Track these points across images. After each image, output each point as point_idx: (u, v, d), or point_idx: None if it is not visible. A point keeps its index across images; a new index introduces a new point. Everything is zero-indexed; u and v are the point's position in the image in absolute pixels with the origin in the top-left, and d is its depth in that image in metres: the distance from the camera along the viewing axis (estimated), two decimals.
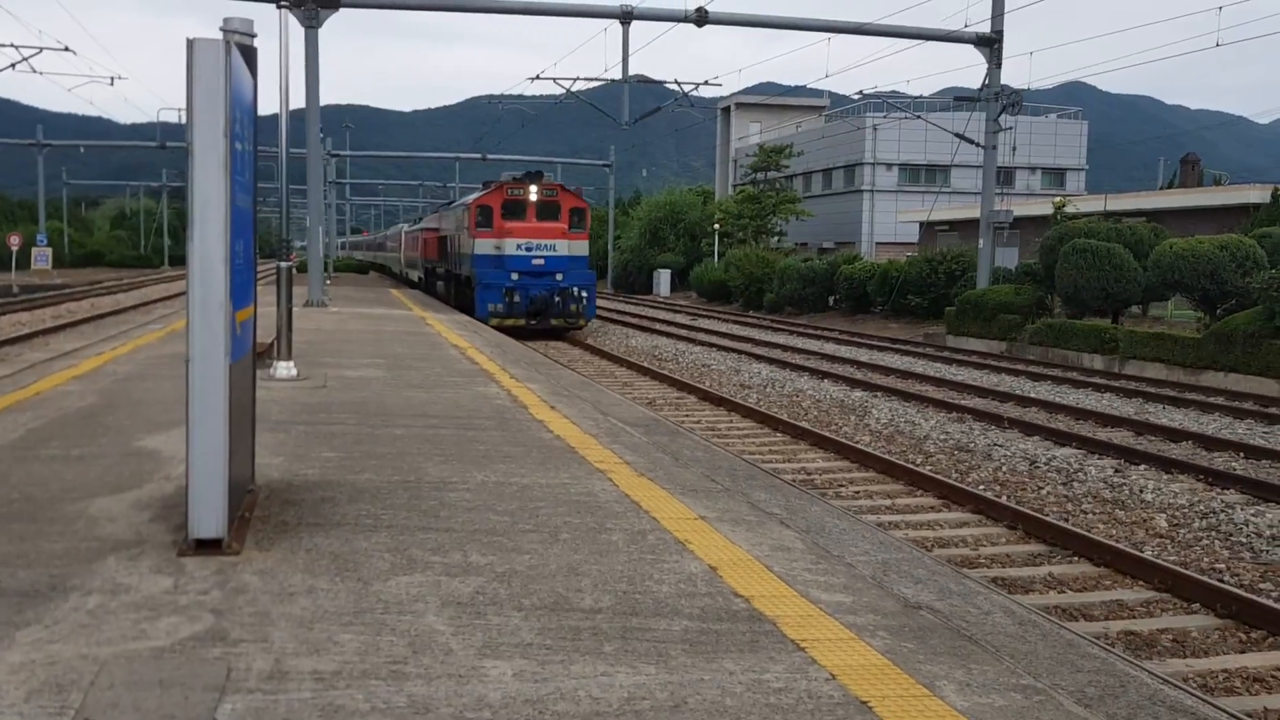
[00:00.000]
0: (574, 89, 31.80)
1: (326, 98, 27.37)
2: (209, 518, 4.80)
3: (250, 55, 5.51)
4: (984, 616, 4.60)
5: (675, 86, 33.25)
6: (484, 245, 27.07)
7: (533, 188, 27.26)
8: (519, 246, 26.54)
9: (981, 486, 11.02)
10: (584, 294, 26.99)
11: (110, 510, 5.61)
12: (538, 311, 26.48)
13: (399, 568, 4.80)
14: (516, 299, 26.24)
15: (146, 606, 4.17)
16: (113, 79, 46.17)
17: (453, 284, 32.54)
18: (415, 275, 45.51)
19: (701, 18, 26.45)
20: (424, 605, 4.31)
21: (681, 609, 4.41)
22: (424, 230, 42.95)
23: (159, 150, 58.31)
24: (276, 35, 12.79)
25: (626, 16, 27.17)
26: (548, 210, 27.34)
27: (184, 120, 4.83)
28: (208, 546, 4.84)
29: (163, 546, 4.96)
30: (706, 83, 33.69)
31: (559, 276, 26.73)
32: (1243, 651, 6.70)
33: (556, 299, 26.65)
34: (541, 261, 26.60)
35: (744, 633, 4.17)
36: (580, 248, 27.79)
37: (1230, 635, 6.94)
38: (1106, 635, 6.75)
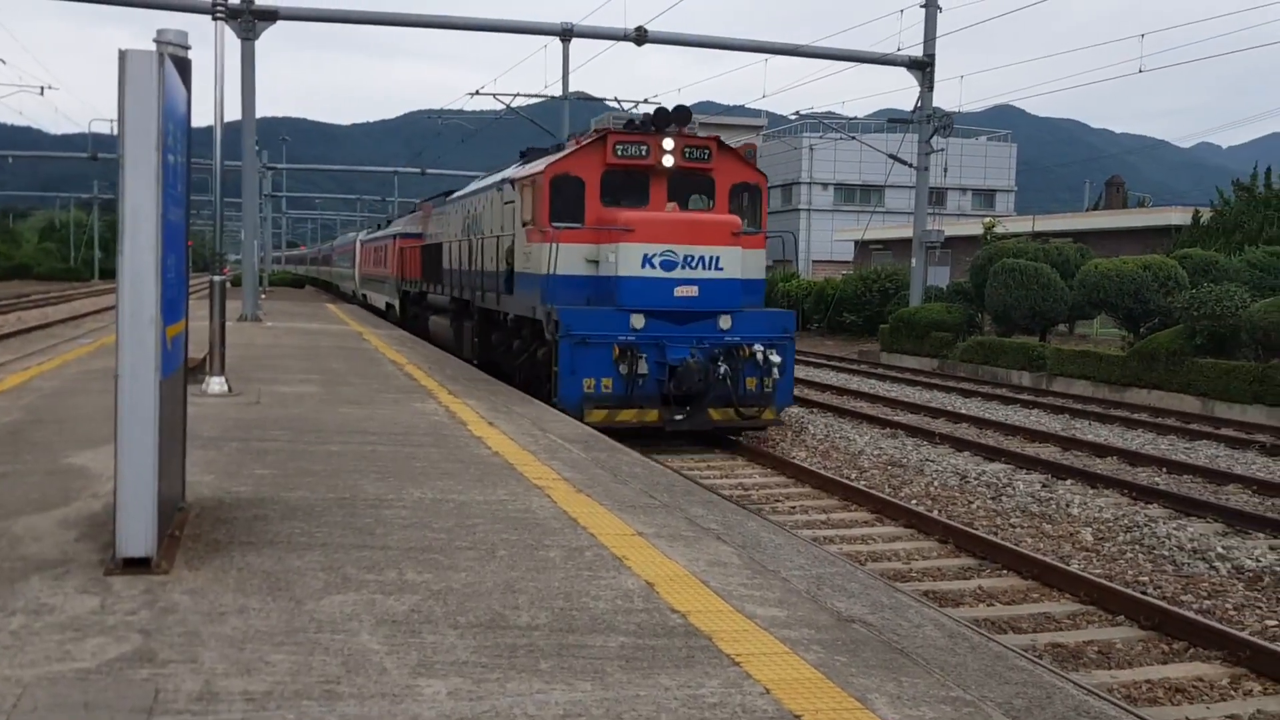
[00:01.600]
0: (514, 105, 31.76)
1: (263, 110, 27.05)
2: (138, 536, 4.72)
3: (184, 67, 5.45)
4: (915, 630, 4.68)
5: (615, 103, 33.38)
6: (568, 257, 13.68)
7: (666, 142, 14.03)
8: (645, 260, 13.29)
9: (914, 501, 11.19)
10: (774, 359, 13.63)
11: (35, 528, 5.48)
12: (687, 395, 13.33)
13: (333, 586, 4.76)
14: (642, 369, 13.15)
15: (72, 627, 4.08)
16: (43, 89, 45.28)
17: (473, 327, 18.63)
18: (382, 301, 32.97)
19: (641, 37, 26.62)
20: (358, 624, 4.28)
21: (618, 625, 4.43)
22: (399, 237, 29.78)
23: (90, 161, 57.05)
24: (212, 46, 12.63)
25: (567, 34, 27.25)
26: (694, 186, 14.58)
27: (116, 131, 4.76)
28: (136, 565, 4.75)
29: (90, 565, 4.86)
30: (646, 100, 33.86)
31: (724, 322, 13.58)
32: (1165, 662, 6.87)
33: (722, 370, 13.33)
34: (692, 291, 13.42)
35: (680, 648, 4.20)
36: (756, 262, 14.64)
37: (1153, 646, 7.11)
38: (1034, 647, 6.89)
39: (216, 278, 12.35)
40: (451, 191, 24.18)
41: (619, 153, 14.02)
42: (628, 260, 13.29)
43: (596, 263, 13.79)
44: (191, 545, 5.27)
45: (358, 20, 26.82)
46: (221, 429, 8.87)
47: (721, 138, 14.89)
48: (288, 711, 3.42)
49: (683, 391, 13.25)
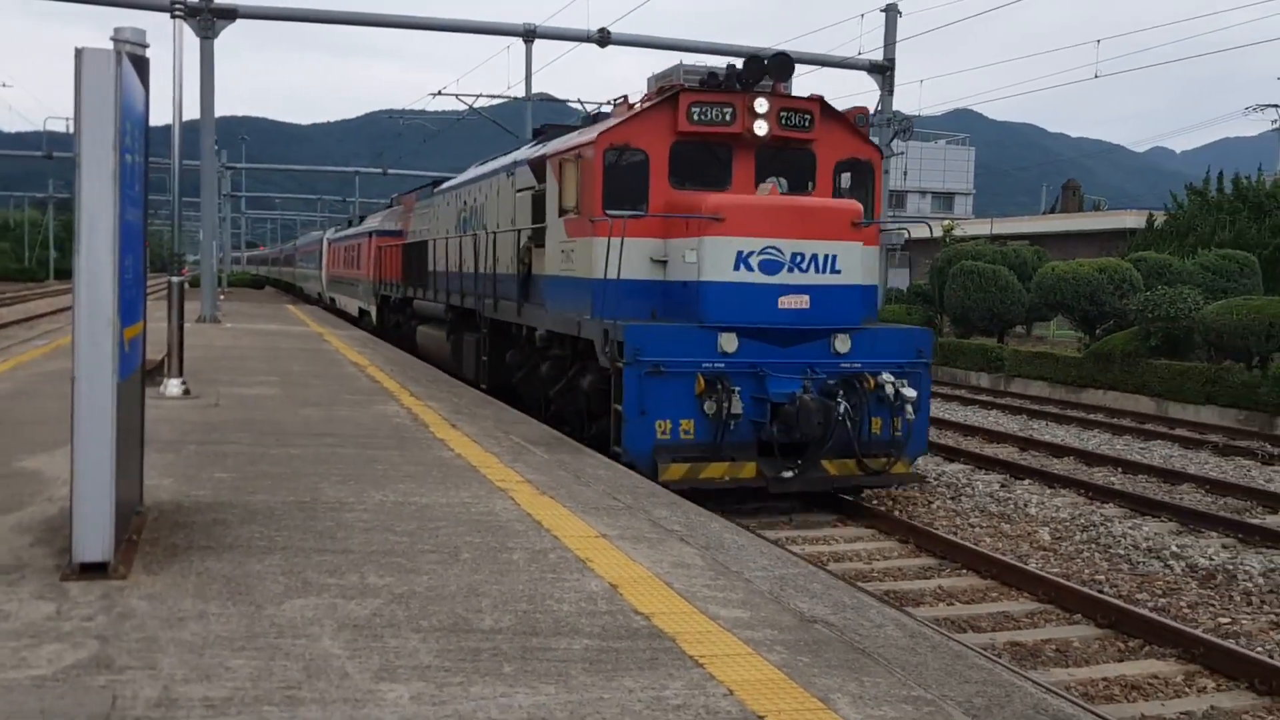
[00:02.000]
0: (476, 105, 31.66)
1: (222, 109, 26.72)
2: (94, 541, 4.65)
3: (142, 65, 5.38)
4: (876, 629, 4.72)
5: (578, 105, 33.37)
6: (634, 258, 10.52)
7: (759, 103, 10.82)
8: (740, 259, 10.16)
9: (875, 501, 11.28)
10: (906, 393, 10.39)
11: None
12: (801, 441, 10.08)
13: (293, 590, 4.72)
14: (735, 408, 9.86)
15: (27, 634, 4.02)
16: None
17: (479, 343, 15.10)
18: (354, 306, 30.10)
19: (604, 38, 26.61)
20: (319, 629, 4.25)
21: (582, 628, 4.43)
22: (376, 235, 26.52)
23: (45, 160, 56.15)
24: (170, 45, 12.49)
25: (529, 35, 27.19)
26: (789, 162, 11.46)
27: (72, 130, 4.71)
28: (93, 570, 4.68)
29: (45, 571, 4.79)
30: (609, 102, 33.88)
31: (842, 344, 10.44)
32: (1121, 660, 6.99)
33: (841, 408, 10.12)
34: (802, 302, 10.32)
35: (644, 650, 4.21)
36: (872, 263, 11.81)
37: (1110, 644, 7.22)
38: (993, 646, 6.97)
39: (174, 278, 12.21)
40: (440, 181, 21.31)
41: (695, 117, 10.67)
42: (716, 259, 9.96)
43: (664, 263, 10.57)
44: (150, 550, 5.21)
45: (318, 19, 26.60)
46: (180, 432, 8.77)
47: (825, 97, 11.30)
48: (248, 717, 3.39)
49: (793, 439, 9.88)
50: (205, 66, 23.74)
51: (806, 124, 11.07)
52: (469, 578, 5.04)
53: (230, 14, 23.66)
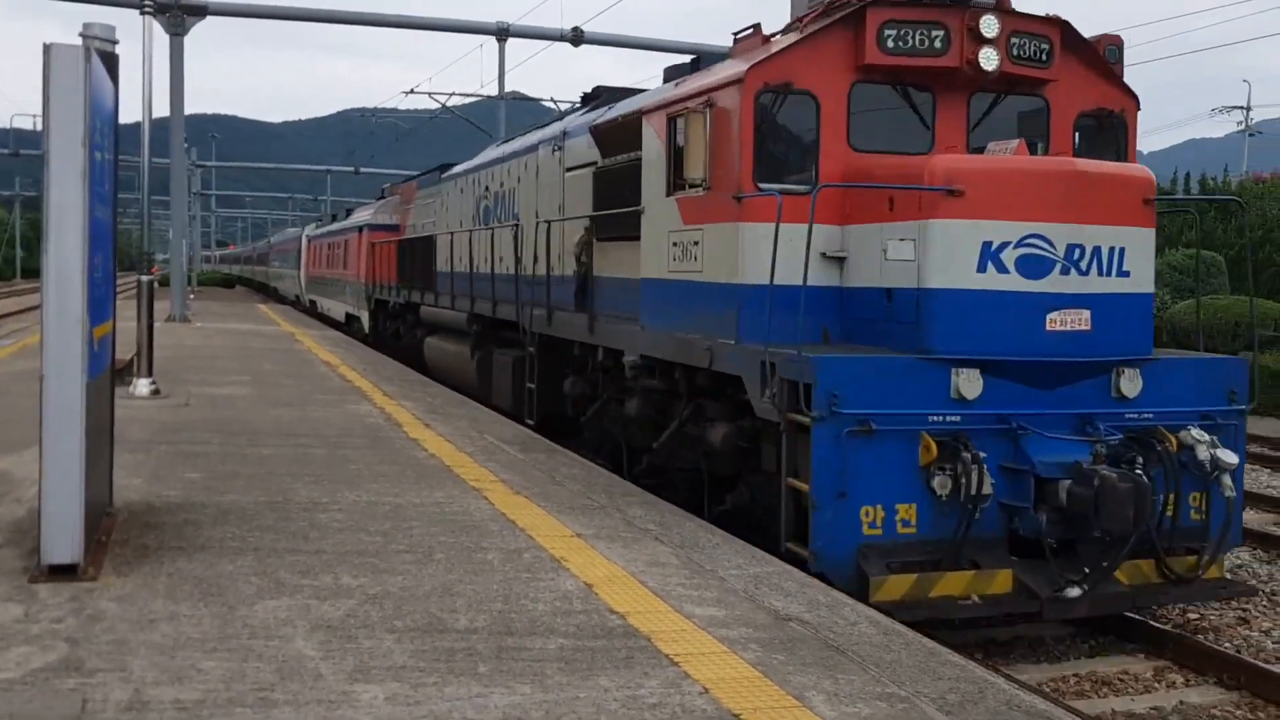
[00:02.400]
0: (449, 104, 31.54)
1: (192, 107, 26.54)
2: (63, 542, 4.61)
3: (112, 62, 5.34)
4: (851, 627, 4.74)
5: (551, 104, 33.33)
6: (797, 253, 6.74)
7: (985, 23, 7.30)
8: (988, 255, 6.61)
9: None
10: (1224, 458, 6.80)
11: None
12: (1093, 541, 6.59)
13: (266, 591, 4.69)
14: (984, 488, 6.36)
15: None
16: None
17: (519, 364, 12.06)
18: (342, 310, 27.17)
19: (577, 37, 26.63)
20: (292, 630, 4.22)
21: (557, 627, 4.42)
22: (369, 229, 23.36)
23: (12, 158, 55.64)
24: (140, 42, 12.39)
25: (503, 34, 27.17)
26: (1016, 115, 8.01)
27: (39, 126, 4.66)
28: (62, 572, 4.64)
29: (13, 573, 4.73)
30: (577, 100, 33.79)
31: (1129, 384, 6.90)
32: (1092, 656, 7.05)
33: (1143, 482, 6.39)
34: (1080, 321, 6.70)
35: (619, 649, 4.21)
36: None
37: (1080, 641, 7.28)
38: (966, 644, 7.01)
39: (143, 277, 12.12)
40: (448, 166, 17.80)
41: (890, 44, 7.40)
42: (949, 255, 6.70)
43: (841, 260, 7.43)
44: (120, 551, 5.16)
45: (289, 17, 26.47)
46: (150, 432, 8.70)
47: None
48: None
49: (1084, 535, 6.65)
50: (175, 63, 23.58)
51: (1044, 57, 7.68)
52: (443, 578, 5.02)
53: (201, 11, 23.49)
